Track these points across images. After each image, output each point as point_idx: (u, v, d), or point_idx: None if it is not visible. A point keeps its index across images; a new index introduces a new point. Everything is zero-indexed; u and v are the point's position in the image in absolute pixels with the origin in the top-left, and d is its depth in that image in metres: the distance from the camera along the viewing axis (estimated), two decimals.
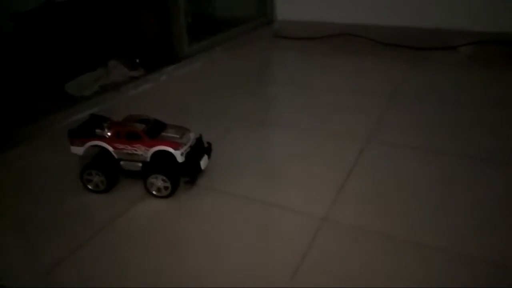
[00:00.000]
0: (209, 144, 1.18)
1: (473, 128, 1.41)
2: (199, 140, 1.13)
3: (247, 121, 1.53)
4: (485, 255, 0.87)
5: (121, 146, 1.09)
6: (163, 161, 1.06)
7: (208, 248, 0.91)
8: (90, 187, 1.10)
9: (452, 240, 0.91)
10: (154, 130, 1.09)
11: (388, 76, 1.93)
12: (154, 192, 1.08)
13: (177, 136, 1.08)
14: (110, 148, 1.09)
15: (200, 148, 1.12)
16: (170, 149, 1.05)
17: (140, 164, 1.09)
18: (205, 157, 1.12)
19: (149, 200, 1.07)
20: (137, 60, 1.92)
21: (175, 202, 1.06)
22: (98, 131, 1.12)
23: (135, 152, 1.08)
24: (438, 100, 1.66)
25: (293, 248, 0.90)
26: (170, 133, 1.09)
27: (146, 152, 1.07)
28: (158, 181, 1.06)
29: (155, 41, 2.03)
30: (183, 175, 1.08)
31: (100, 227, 0.99)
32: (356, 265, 0.85)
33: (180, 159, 1.06)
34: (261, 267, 0.86)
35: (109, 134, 1.09)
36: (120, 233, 0.97)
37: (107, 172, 1.09)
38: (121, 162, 1.10)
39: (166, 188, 1.06)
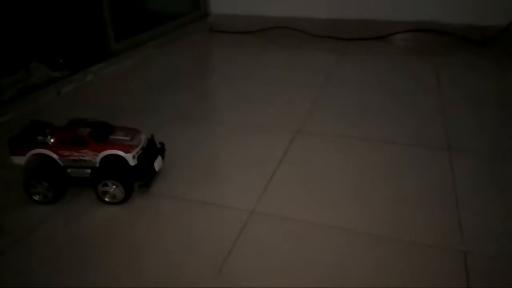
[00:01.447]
0: (162, 144, 1.15)
1: (401, 114, 1.49)
2: (151, 141, 1.11)
3: (181, 118, 1.53)
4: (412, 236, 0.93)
5: (66, 153, 1.04)
6: (113, 166, 1.02)
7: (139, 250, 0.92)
8: (36, 198, 1.05)
9: (375, 224, 0.97)
10: (101, 133, 1.04)
11: (320, 67, 2.00)
12: (107, 199, 1.04)
13: (127, 138, 1.04)
14: (54, 156, 1.04)
15: (152, 149, 1.10)
16: (121, 153, 1.02)
17: (88, 171, 1.05)
18: (159, 158, 1.10)
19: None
20: (61, 60, 1.83)
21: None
22: (40, 138, 1.06)
23: (82, 158, 1.04)
24: (368, 88, 1.74)
25: (221, 243, 0.92)
26: (119, 136, 1.05)
27: (95, 157, 1.03)
28: (110, 187, 1.02)
29: (80, 39, 1.94)
30: (137, 179, 1.05)
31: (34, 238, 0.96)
32: (283, 255, 0.89)
33: (132, 162, 1.03)
34: (187, 265, 0.87)
35: (52, 140, 1.04)
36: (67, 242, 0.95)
37: (53, 181, 1.04)
38: (68, 170, 1.06)
39: (119, 194, 1.02)
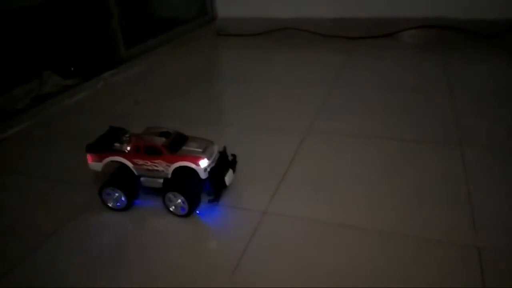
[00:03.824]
0: (234, 156, 1.15)
1: (411, 112, 1.52)
2: (223, 153, 1.11)
3: (192, 122, 1.55)
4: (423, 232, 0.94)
5: (140, 162, 1.06)
6: (183, 178, 1.04)
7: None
8: (110, 205, 1.08)
9: (388, 222, 0.98)
10: (175, 144, 1.06)
11: (328, 67, 2.05)
12: (171, 210, 1.06)
13: (200, 150, 1.05)
14: (129, 164, 1.06)
15: (224, 162, 1.10)
16: (193, 165, 1.02)
17: (161, 181, 1.07)
18: (230, 172, 1.09)
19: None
20: (72, 68, 1.86)
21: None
22: (117, 145, 1.08)
23: (155, 168, 1.05)
24: (376, 87, 1.77)
25: (234, 244, 0.95)
26: (192, 147, 1.06)
27: (167, 168, 1.04)
28: (176, 199, 1.04)
29: (90, 47, 1.97)
30: (207, 193, 1.05)
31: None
32: (296, 255, 0.91)
33: (203, 175, 1.02)
34: (203, 266, 0.91)
35: (128, 148, 1.06)
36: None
37: (127, 190, 1.06)
38: (141, 179, 1.08)
39: (183, 208, 1.03)
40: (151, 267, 0.91)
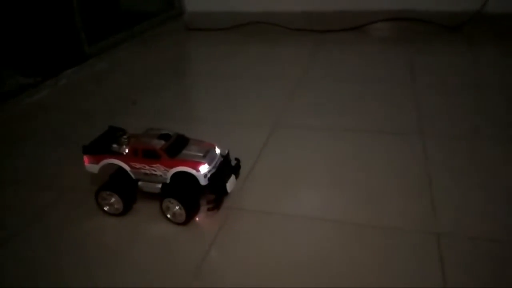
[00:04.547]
0: (238, 160, 1.10)
1: (377, 104, 1.54)
2: (225, 157, 1.06)
3: (159, 118, 1.54)
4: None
5: (138, 166, 1.01)
6: (182, 184, 0.99)
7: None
8: (106, 209, 1.03)
9: (352, 213, 1.01)
10: (175, 147, 1.01)
11: (297, 60, 2.07)
12: (168, 216, 1.01)
13: (200, 154, 1.01)
14: (126, 168, 1.02)
15: (226, 167, 1.06)
16: (192, 171, 0.97)
17: (159, 186, 1.02)
18: (232, 177, 1.04)
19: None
20: (33, 66, 1.75)
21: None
22: (115, 146, 1.03)
23: (153, 172, 1.01)
24: (344, 80, 1.80)
25: (201, 240, 0.96)
26: (192, 151, 1.01)
27: (166, 173, 1.00)
28: (174, 207, 1.00)
29: (51, 44, 1.84)
30: (207, 200, 1.00)
31: None
32: (263, 248, 0.92)
33: (203, 181, 0.98)
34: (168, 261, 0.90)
35: (126, 150, 1.01)
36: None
37: (124, 195, 1.02)
38: (139, 183, 1.03)
39: (181, 215, 0.98)
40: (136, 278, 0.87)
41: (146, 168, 1.00)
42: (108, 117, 1.52)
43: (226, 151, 1.05)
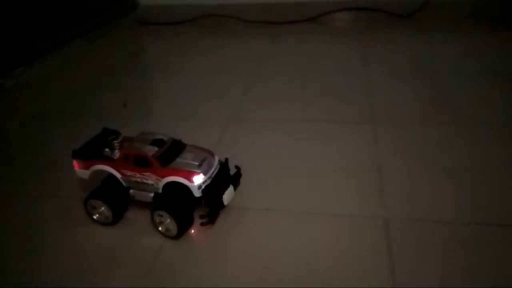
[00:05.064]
0: (238, 169, 1.02)
1: (332, 94, 1.57)
2: (224, 165, 0.98)
3: (114, 116, 1.50)
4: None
5: (129, 173, 0.95)
6: (174, 195, 0.92)
7: None
8: (95, 218, 0.98)
9: (305, 201, 1.03)
10: (168, 154, 0.93)
11: (254, 53, 2.06)
12: (160, 229, 0.95)
13: (195, 163, 0.92)
14: (117, 175, 0.96)
15: (224, 177, 0.97)
16: (185, 182, 0.90)
17: (151, 195, 0.96)
18: (230, 188, 0.96)
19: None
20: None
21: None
22: (107, 150, 0.98)
23: (145, 181, 0.94)
24: (300, 71, 1.81)
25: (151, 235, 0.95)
26: (187, 159, 0.93)
27: (157, 182, 0.93)
28: (165, 219, 0.92)
29: None
30: (200, 215, 0.93)
31: None
32: (219, 239, 0.93)
33: (197, 193, 0.91)
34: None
35: (118, 156, 0.95)
36: None
37: (113, 204, 0.96)
38: (131, 191, 0.98)
39: (172, 228, 0.92)
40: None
41: (137, 176, 0.93)
42: (58, 120, 1.49)
43: (225, 159, 0.98)
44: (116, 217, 0.97)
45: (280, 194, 1.05)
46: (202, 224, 0.93)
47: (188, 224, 0.94)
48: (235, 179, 1.00)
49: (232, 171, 1.00)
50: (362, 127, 1.31)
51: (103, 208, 0.96)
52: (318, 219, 0.96)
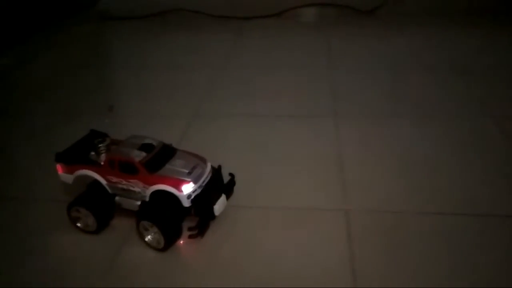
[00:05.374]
0: (232, 176, 0.97)
1: (295, 89, 1.58)
2: (217, 173, 0.92)
3: (75, 114, 1.47)
4: None
5: (114, 180, 0.90)
6: (162, 205, 0.87)
7: None
8: (79, 225, 0.93)
9: (269, 195, 1.03)
10: (157, 161, 0.88)
11: (218, 48, 2.04)
12: (146, 240, 0.89)
13: (186, 170, 0.87)
14: (102, 181, 0.91)
15: (217, 185, 0.92)
16: (174, 190, 0.85)
17: (138, 203, 0.90)
18: (223, 198, 0.91)
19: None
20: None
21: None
22: (93, 154, 0.93)
23: (131, 188, 0.89)
24: (264, 66, 1.80)
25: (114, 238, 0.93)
26: (177, 166, 0.88)
27: (144, 190, 0.88)
28: (152, 230, 0.87)
29: None
30: (188, 227, 0.87)
31: None
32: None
33: (186, 203, 0.85)
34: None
35: (104, 160, 0.91)
36: None
37: (97, 212, 0.91)
38: (117, 198, 0.93)
39: (159, 240, 0.87)
40: None
41: (123, 183, 0.88)
42: (13, 118, 1.45)
43: (218, 166, 0.93)
44: (101, 226, 0.92)
45: (241, 190, 1.00)
46: (190, 236, 0.87)
47: (176, 236, 0.88)
48: (228, 188, 0.95)
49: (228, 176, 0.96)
50: (325, 121, 1.33)
51: (87, 216, 0.91)
52: (282, 213, 0.97)
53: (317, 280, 0.80)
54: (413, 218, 0.94)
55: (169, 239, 0.87)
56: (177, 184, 0.85)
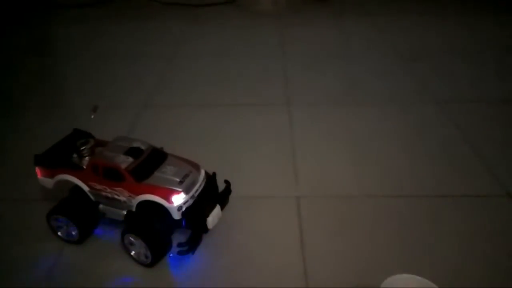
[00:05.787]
0: (227, 184, 0.89)
1: (249, 77, 1.56)
2: (211, 180, 0.84)
3: (18, 107, 1.40)
4: None
5: (98, 187, 0.81)
6: (149, 216, 0.78)
7: None
8: (60, 234, 0.85)
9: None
10: (145, 167, 0.79)
11: (170, 37, 2.00)
12: (132, 254, 0.81)
13: (177, 179, 0.78)
14: (84, 188, 0.82)
15: (211, 194, 0.83)
16: (163, 202, 0.76)
17: (124, 212, 0.82)
18: (217, 209, 0.82)
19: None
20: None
21: None
22: (75, 156, 0.85)
23: (116, 197, 0.80)
24: (218, 55, 1.78)
25: None
26: (167, 173, 0.79)
27: (130, 199, 0.79)
28: (138, 244, 0.79)
29: None
30: (177, 244, 0.79)
31: None
32: None
33: (176, 215, 0.77)
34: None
35: (87, 165, 0.82)
36: None
37: (79, 222, 0.83)
38: (100, 206, 0.84)
39: (146, 255, 0.79)
40: None
41: (108, 191, 0.80)
42: None
43: (213, 173, 0.85)
44: (83, 236, 0.84)
45: None
46: (179, 253, 0.78)
47: (165, 250, 0.80)
48: (222, 198, 0.86)
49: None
50: (278, 110, 1.34)
51: (67, 225, 0.83)
52: (235, 202, 0.91)
53: (270, 266, 0.81)
54: (362, 202, 0.96)
55: (157, 254, 0.79)
56: (167, 195, 0.76)
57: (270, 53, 1.77)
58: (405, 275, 0.67)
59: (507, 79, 1.50)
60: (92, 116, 0.92)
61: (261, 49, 1.82)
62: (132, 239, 0.79)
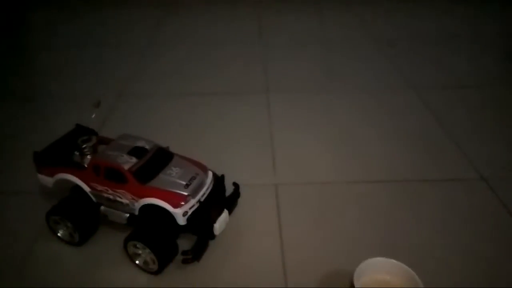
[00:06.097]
0: (236, 187, 0.85)
1: (227, 65, 1.55)
2: (219, 183, 0.80)
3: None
4: None
5: (99, 188, 0.77)
6: (154, 221, 0.74)
7: None
8: (60, 235, 0.82)
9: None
10: (149, 169, 0.75)
11: (144, 26, 1.97)
12: (137, 263, 0.77)
13: (183, 182, 0.74)
14: (86, 188, 0.78)
15: (218, 198, 0.79)
16: (167, 206, 0.72)
17: (126, 215, 0.78)
18: (225, 214, 0.77)
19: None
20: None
21: None
22: (77, 154, 0.81)
23: (118, 199, 0.76)
24: (193, 43, 1.75)
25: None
26: (172, 176, 0.75)
27: (133, 202, 0.75)
28: (143, 251, 0.75)
29: None
30: (182, 252, 0.75)
31: None
32: None
33: (181, 221, 0.73)
34: None
35: (88, 164, 0.78)
36: None
37: (79, 223, 0.79)
38: (102, 208, 0.80)
39: (153, 261, 0.75)
40: None
41: (109, 193, 0.76)
42: None
43: (221, 176, 0.81)
44: (83, 238, 0.81)
45: None
46: (184, 261, 0.74)
47: (171, 256, 0.76)
48: (231, 202, 0.82)
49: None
50: (257, 98, 1.34)
51: (67, 227, 0.80)
52: None
53: (249, 253, 0.81)
54: (339, 188, 0.97)
55: (163, 261, 0.75)
56: (172, 199, 0.72)
57: (249, 41, 1.77)
58: (379, 258, 0.68)
59: (480, 65, 1.54)
60: (93, 116, 0.87)
61: (240, 36, 1.82)
62: (136, 247, 0.75)
